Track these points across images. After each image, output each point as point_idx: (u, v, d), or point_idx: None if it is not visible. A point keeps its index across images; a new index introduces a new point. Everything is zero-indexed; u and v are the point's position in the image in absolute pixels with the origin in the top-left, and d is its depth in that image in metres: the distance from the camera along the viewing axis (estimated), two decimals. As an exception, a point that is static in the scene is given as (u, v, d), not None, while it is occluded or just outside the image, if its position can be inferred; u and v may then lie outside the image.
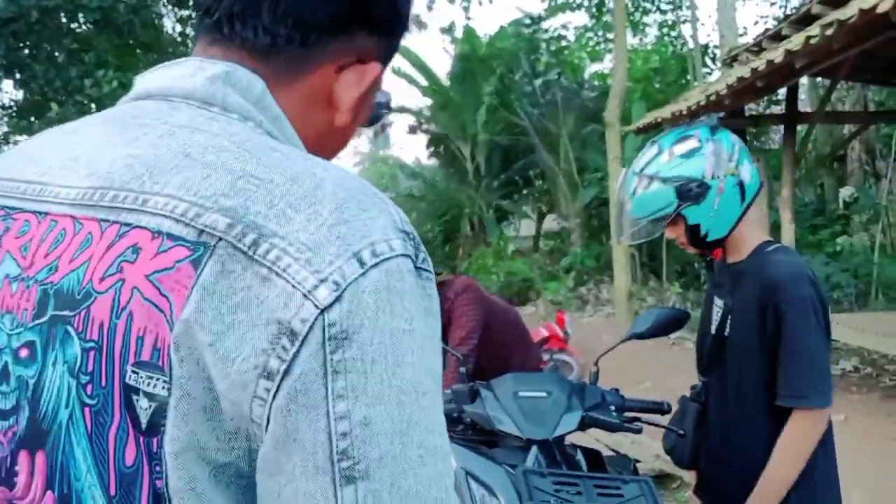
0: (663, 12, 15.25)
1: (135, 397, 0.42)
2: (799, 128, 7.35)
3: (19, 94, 9.06)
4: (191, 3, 9.53)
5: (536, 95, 13.55)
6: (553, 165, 13.03)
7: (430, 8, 13.44)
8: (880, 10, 3.47)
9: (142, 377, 0.42)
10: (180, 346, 0.41)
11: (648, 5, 15.11)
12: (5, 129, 9.18)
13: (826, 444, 1.43)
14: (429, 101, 16.01)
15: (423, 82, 15.15)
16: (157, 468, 0.42)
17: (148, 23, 8.75)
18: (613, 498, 1.28)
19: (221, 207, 0.43)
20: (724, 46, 9.08)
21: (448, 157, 16.45)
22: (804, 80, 7.46)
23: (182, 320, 0.41)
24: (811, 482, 1.40)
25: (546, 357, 5.95)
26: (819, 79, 7.98)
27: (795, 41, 4.48)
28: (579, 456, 1.47)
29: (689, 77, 13.37)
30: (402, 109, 16.04)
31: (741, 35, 12.03)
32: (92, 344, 0.44)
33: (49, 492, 0.45)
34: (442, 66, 19.43)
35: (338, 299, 0.41)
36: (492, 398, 1.53)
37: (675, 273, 10.65)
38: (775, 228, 6.71)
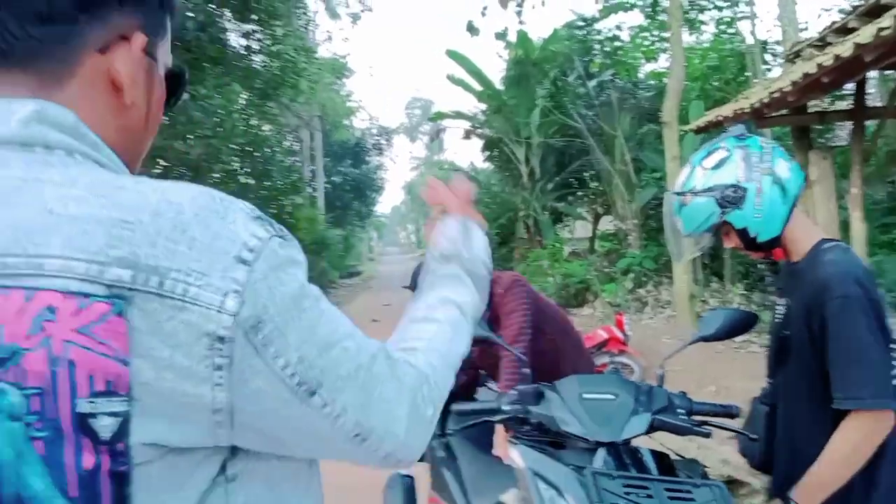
0: (720, 9, 14.78)
1: (90, 420, 0.51)
2: (868, 123, 7.01)
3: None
4: (254, 16, 9.90)
5: (591, 97, 13.40)
6: (609, 166, 12.84)
7: (483, 14, 13.44)
8: (959, -1, 3.31)
9: (100, 403, 0.51)
10: (139, 373, 0.52)
11: (705, 2, 14.68)
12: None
13: (890, 446, 1.39)
14: (483, 106, 16.07)
15: (478, 87, 15.23)
16: (122, 459, 0.52)
17: (214, 38, 9.12)
18: (685, 502, 1.28)
19: (115, 259, 0.51)
20: (786, 42, 8.77)
21: (502, 161, 16.47)
22: (873, 73, 7.11)
23: (133, 356, 0.51)
24: (873, 484, 1.38)
25: (606, 359, 5.88)
26: (890, 71, 7.58)
27: (865, 34, 4.30)
28: (647, 458, 1.47)
29: (748, 74, 12.93)
30: (457, 115, 16.17)
31: (803, 30, 11.54)
32: (35, 390, 0.50)
33: None
34: (496, 71, 19.42)
35: (243, 302, 0.54)
36: (557, 399, 1.54)
37: (739, 274, 10.30)
38: (845, 228, 6.43)
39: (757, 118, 6.69)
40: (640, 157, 12.49)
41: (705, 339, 1.67)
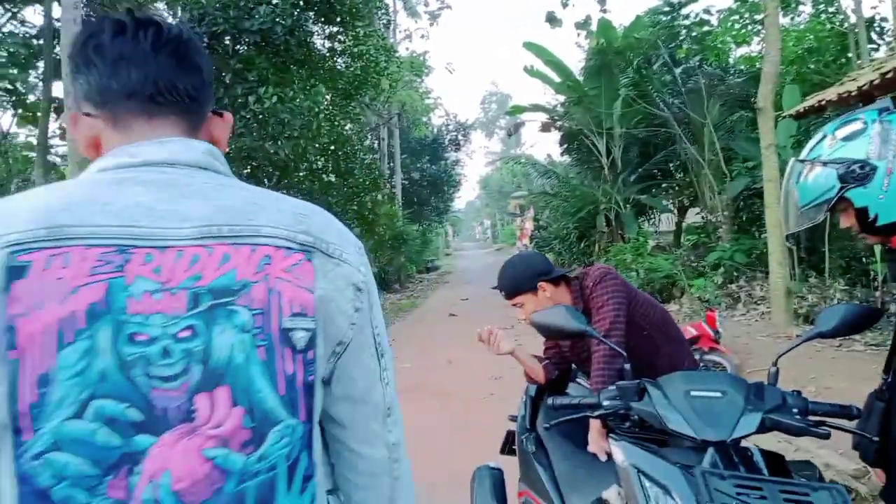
0: (819, -13, 13.88)
1: (291, 334, 0.76)
2: None
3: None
4: (338, 19, 10.17)
5: (677, 84, 12.88)
6: (696, 156, 12.34)
7: (564, 5, 13.20)
8: None
9: (297, 320, 0.77)
10: (317, 302, 0.79)
11: (802, -19, 13.84)
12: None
13: None
14: (562, 98, 15.82)
15: (557, 79, 15.00)
16: (310, 368, 0.78)
17: (301, 41, 9.44)
18: None
19: (300, 230, 0.81)
20: (899, 17, 8.09)
21: (582, 153, 16.16)
22: None
23: (317, 290, 0.79)
24: None
25: (696, 357, 5.66)
26: None
27: None
28: (758, 458, 1.41)
29: (849, 55, 12.05)
30: (535, 108, 15.99)
31: (918, 3, 10.64)
32: (258, 311, 0.74)
33: (236, 408, 0.72)
34: (575, 61, 19.05)
35: (366, 272, 0.86)
36: (661, 396, 1.49)
37: (840, 268, 9.65)
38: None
39: (865, 102, 6.24)
40: (731, 146, 11.92)
41: (823, 335, 1.57)
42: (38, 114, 10.48)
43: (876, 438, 1.43)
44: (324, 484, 0.83)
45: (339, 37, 11.35)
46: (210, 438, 0.70)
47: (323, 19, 10.36)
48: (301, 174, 11.72)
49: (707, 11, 14.31)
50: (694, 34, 13.86)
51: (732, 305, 9.76)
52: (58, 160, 11.55)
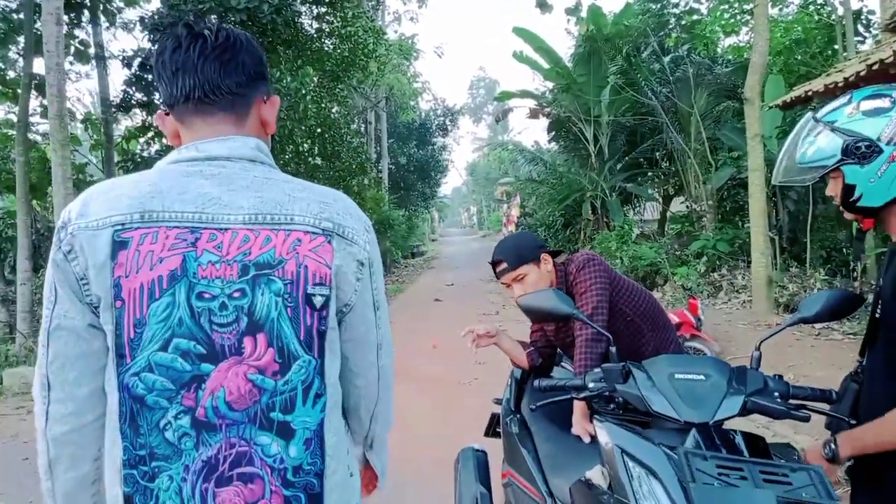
0: (807, -21, 13.91)
1: (313, 297, 1.04)
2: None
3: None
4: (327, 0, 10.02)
5: (665, 73, 12.91)
6: (683, 145, 12.41)
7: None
8: None
9: (317, 289, 1.04)
10: (333, 274, 1.06)
11: (791, -28, 13.86)
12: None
13: None
14: (550, 85, 15.78)
15: (546, 65, 14.95)
16: (323, 321, 1.06)
17: (288, 21, 9.30)
18: (781, 485, 1.24)
19: (323, 218, 1.07)
20: (886, 10, 8.13)
21: (570, 140, 16.17)
22: None
23: (333, 265, 1.06)
24: None
25: (678, 344, 5.73)
26: None
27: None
28: (739, 440, 1.43)
29: (836, 47, 12.13)
30: (524, 94, 15.94)
31: (905, -5, 10.68)
32: (289, 280, 1.02)
33: (270, 349, 1.01)
34: (565, 48, 18.97)
35: (370, 249, 1.14)
36: (645, 379, 1.51)
37: (821, 258, 9.80)
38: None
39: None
40: (717, 136, 11.99)
41: (806, 320, 1.59)
42: (19, 90, 10.26)
43: (853, 421, 1.46)
44: (337, 403, 1.13)
45: (327, 17, 11.21)
46: (252, 367, 1.00)
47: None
48: (287, 156, 11.61)
49: (697, 0, 14.29)
50: (683, 23, 13.88)
51: (714, 294, 9.88)
52: (38, 138, 11.35)
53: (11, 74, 10.77)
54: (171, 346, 0.98)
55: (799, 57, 12.36)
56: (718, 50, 14.81)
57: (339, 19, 11.30)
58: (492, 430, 2.78)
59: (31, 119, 10.42)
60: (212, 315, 0.99)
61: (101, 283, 0.99)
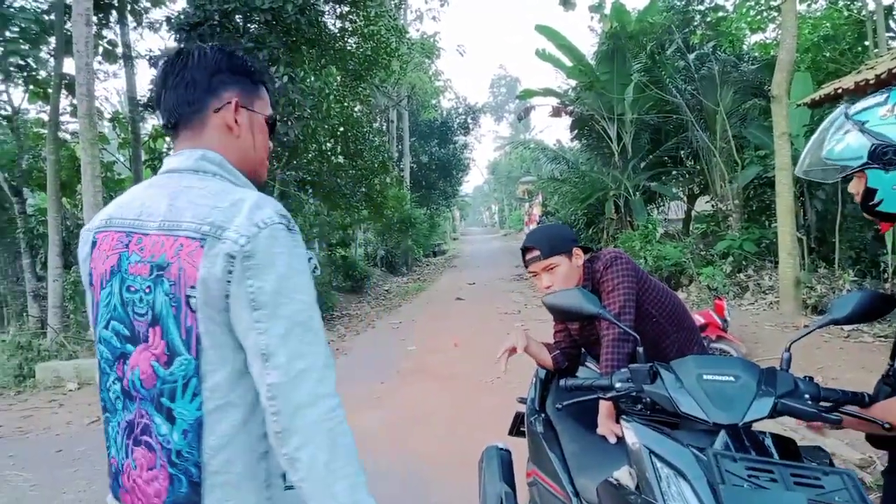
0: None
1: (190, 299, 1.09)
2: None
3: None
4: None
5: (690, 70, 12.74)
6: (708, 144, 12.24)
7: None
8: None
9: (192, 291, 1.09)
10: (201, 278, 1.08)
11: (821, -33, 13.59)
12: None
13: None
14: (573, 83, 15.67)
15: (568, 63, 14.85)
16: (198, 323, 1.10)
17: (312, 20, 9.36)
18: (812, 489, 1.22)
19: (208, 223, 1.10)
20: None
21: (592, 139, 16.05)
22: None
23: (201, 268, 1.09)
24: None
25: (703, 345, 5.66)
26: None
27: None
28: (769, 443, 1.41)
29: (866, 44, 11.87)
30: (546, 92, 15.86)
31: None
32: (173, 282, 1.11)
33: (162, 341, 1.12)
34: (587, 46, 18.81)
35: (248, 244, 1.08)
36: (673, 380, 1.49)
37: (849, 259, 9.60)
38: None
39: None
40: (743, 134, 11.81)
41: (837, 322, 1.57)
42: (49, 90, 10.48)
43: (887, 425, 1.43)
44: (224, 408, 1.13)
45: (350, 16, 11.26)
46: (153, 355, 1.14)
47: (335, -1, 10.29)
48: (310, 155, 11.70)
49: (723, -3, 14.09)
50: (708, 20, 13.70)
51: (740, 294, 9.73)
52: (68, 137, 11.58)
53: (43, 74, 11.00)
54: (110, 326, 1.20)
55: (827, 54, 12.13)
56: (744, 47, 14.58)
57: (361, 18, 11.35)
58: (516, 429, 2.77)
59: (62, 118, 10.64)
60: (134, 305, 1.16)
61: (84, 271, 1.28)
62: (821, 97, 7.32)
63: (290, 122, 8.95)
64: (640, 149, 14.77)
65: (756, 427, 1.45)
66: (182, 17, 8.94)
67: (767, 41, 14.67)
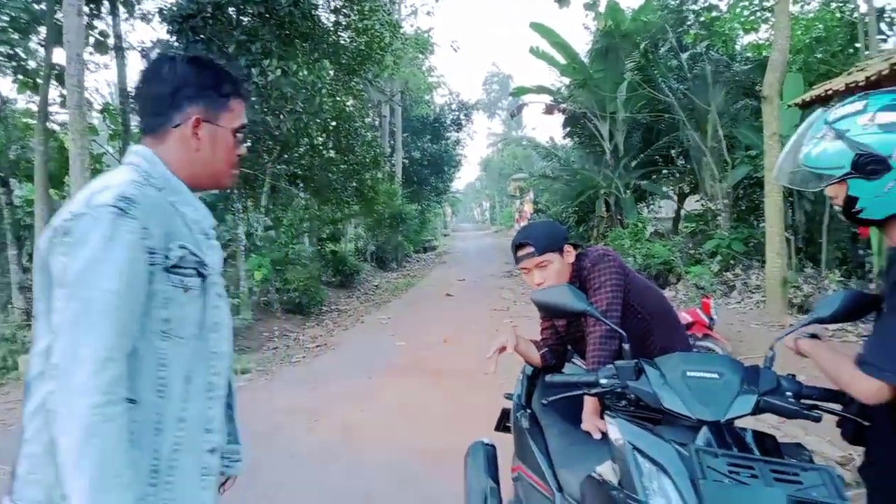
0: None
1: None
2: None
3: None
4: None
5: (683, 70, 12.80)
6: (699, 143, 12.30)
7: (572, -16, 13.03)
8: None
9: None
10: (39, 248, 1.21)
11: (813, -31, 13.65)
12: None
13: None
14: (566, 80, 15.70)
15: (562, 61, 14.88)
16: (41, 290, 1.20)
17: (306, 14, 9.31)
18: (791, 484, 1.24)
19: (66, 209, 1.19)
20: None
21: (585, 137, 16.12)
22: None
23: (42, 249, 1.20)
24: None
25: (689, 343, 5.69)
26: None
27: None
28: (750, 439, 1.43)
29: (857, 45, 11.95)
30: (539, 89, 15.88)
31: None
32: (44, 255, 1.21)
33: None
34: (581, 44, 18.85)
35: (69, 221, 1.15)
36: (657, 376, 1.51)
37: (836, 260, 9.69)
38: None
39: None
40: (734, 134, 11.88)
41: (821, 321, 1.59)
42: (39, 80, 10.37)
43: (867, 423, 1.45)
44: (37, 366, 1.20)
45: (344, 10, 11.22)
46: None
47: (328, -8, 10.24)
48: (301, 149, 11.66)
49: (716, -3, 14.11)
50: (702, 19, 13.73)
51: (728, 293, 9.81)
52: (57, 128, 11.47)
53: (32, 64, 10.87)
54: None
55: (819, 55, 12.19)
56: (737, 47, 14.65)
57: (355, 13, 11.31)
58: (502, 424, 2.78)
59: (51, 109, 10.53)
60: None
61: None
62: (811, 98, 7.38)
63: (282, 116, 8.91)
64: (631, 147, 14.84)
65: (738, 424, 1.47)
66: (175, 8, 8.87)
67: (760, 41, 14.74)
